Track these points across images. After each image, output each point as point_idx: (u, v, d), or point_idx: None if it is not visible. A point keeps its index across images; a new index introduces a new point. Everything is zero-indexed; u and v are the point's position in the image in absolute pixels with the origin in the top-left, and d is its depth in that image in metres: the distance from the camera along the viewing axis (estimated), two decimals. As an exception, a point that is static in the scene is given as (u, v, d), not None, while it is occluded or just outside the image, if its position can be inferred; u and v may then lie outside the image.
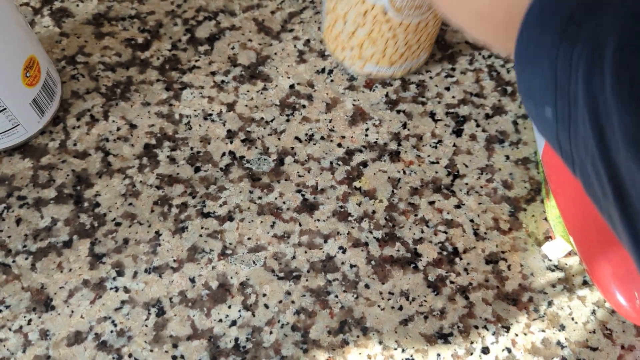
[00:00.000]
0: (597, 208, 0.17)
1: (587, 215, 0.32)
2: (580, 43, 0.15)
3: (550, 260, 0.36)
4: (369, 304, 0.34)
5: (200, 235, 0.35)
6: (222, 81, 0.41)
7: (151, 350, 0.32)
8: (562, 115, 0.17)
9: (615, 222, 0.16)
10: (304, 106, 0.40)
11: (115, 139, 0.38)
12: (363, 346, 0.32)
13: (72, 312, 0.33)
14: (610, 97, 0.14)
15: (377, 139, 0.39)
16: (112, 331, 0.32)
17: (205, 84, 0.41)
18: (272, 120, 0.40)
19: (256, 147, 0.38)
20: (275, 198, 0.37)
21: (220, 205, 0.36)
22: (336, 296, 0.34)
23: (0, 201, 0.35)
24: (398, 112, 0.41)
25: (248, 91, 0.41)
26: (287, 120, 0.40)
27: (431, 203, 0.37)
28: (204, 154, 0.38)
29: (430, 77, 0.42)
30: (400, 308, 0.34)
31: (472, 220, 0.37)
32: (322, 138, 0.39)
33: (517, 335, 0.33)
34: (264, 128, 0.39)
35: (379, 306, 0.34)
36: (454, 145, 0.40)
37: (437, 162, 0.39)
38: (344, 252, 0.35)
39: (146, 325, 0.32)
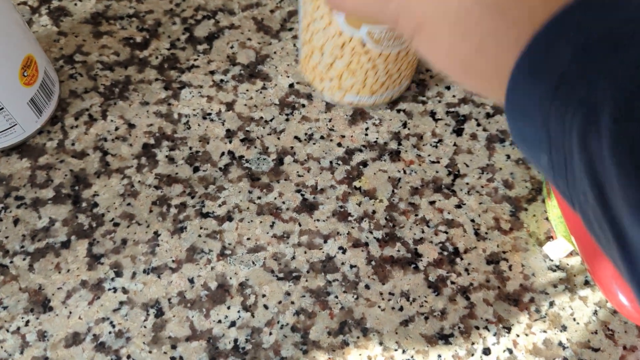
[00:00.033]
0: (597, 244, 0.17)
1: (589, 215, 0.32)
2: (573, 103, 0.15)
3: (552, 260, 0.35)
4: (369, 305, 0.33)
5: (199, 236, 0.35)
6: (221, 80, 0.41)
7: (150, 352, 0.31)
8: (558, 165, 0.16)
9: (619, 267, 0.16)
10: (303, 105, 0.40)
11: (113, 138, 0.38)
12: (363, 347, 0.32)
13: (70, 313, 0.32)
14: (608, 160, 0.14)
15: (377, 138, 0.39)
16: (110, 332, 0.32)
17: (204, 83, 0.41)
18: (271, 120, 0.39)
19: (255, 147, 0.38)
20: (275, 198, 0.36)
21: (220, 205, 0.36)
22: (336, 297, 0.34)
23: (-3, 201, 0.35)
24: (398, 111, 0.40)
25: (247, 90, 0.41)
26: (287, 120, 0.39)
27: (432, 203, 0.37)
28: (203, 153, 0.38)
29: (431, 76, 0.42)
30: (401, 309, 0.33)
31: (472, 220, 0.36)
32: (322, 137, 0.39)
33: (518, 336, 0.33)
34: (263, 127, 0.39)
35: (379, 307, 0.33)
36: (455, 144, 0.39)
37: (438, 162, 0.39)
38: (344, 253, 0.35)
39: (145, 326, 0.32)
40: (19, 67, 0.34)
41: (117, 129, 0.38)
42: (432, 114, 0.40)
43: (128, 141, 0.38)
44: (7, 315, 0.32)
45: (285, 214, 0.36)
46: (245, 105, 0.40)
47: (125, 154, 0.37)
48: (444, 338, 0.33)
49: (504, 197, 0.37)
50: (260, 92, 0.40)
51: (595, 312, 0.34)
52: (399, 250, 0.35)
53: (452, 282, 0.34)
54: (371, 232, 0.36)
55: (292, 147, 0.38)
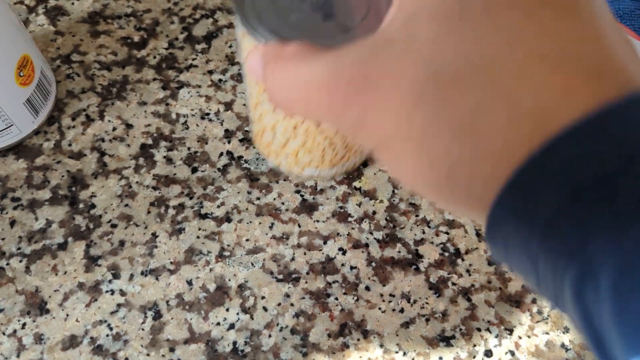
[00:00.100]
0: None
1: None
2: (565, 257, 0.14)
3: (554, 261, 0.35)
4: (369, 307, 0.33)
5: (198, 237, 0.35)
6: (220, 80, 0.41)
7: (148, 355, 0.31)
8: (551, 299, 0.15)
9: None
10: (302, 105, 0.40)
11: (111, 139, 0.38)
12: (364, 349, 0.32)
13: (67, 315, 0.32)
14: (609, 318, 0.13)
15: (377, 138, 0.39)
16: (107, 335, 0.32)
17: (202, 83, 0.40)
18: (270, 120, 0.39)
19: (254, 147, 0.38)
20: (274, 199, 0.36)
21: (218, 206, 0.36)
22: (336, 298, 0.33)
23: (-6, 203, 0.35)
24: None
25: (246, 90, 0.40)
26: (286, 120, 0.39)
27: (432, 203, 0.37)
28: (201, 154, 0.37)
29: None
30: (402, 310, 0.33)
31: (473, 221, 0.36)
32: (322, 137, 0.39)
33: (520, 337, 0.33)
34: (262, 127, 0.39)
35: (379, 308, 0.33)
36: (456, 144, 0.39)
37: (439, 162, 0.38)
38: (344, 254, 0.35)
39: (142, 329, 0.32)
40: (15, 67, 0.33)
41: (114, 129, 0.38)
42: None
43: (126, 141, 0.38)
44: (4, 317, 0.32)
45: (285, 215, 0.36)
46: (244, 104, 0.40)
47: (122, 155, 0.37)
48: (445, 340, 0.32)
49: (506, 197, 0.37)
50: (259, 92, 0.40)
51: (598, 314, 0.34)
52: (399, 251, 0.35)
53: (454, 283, 0.34)
54: (371, 233, 0.35)
55: (291, 147, 0.38)
